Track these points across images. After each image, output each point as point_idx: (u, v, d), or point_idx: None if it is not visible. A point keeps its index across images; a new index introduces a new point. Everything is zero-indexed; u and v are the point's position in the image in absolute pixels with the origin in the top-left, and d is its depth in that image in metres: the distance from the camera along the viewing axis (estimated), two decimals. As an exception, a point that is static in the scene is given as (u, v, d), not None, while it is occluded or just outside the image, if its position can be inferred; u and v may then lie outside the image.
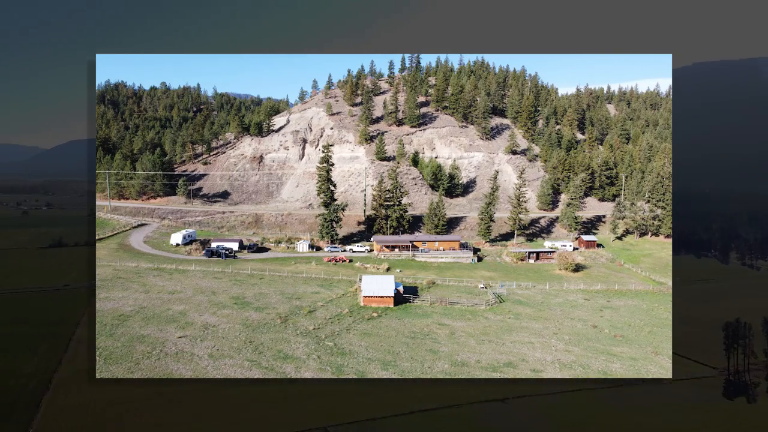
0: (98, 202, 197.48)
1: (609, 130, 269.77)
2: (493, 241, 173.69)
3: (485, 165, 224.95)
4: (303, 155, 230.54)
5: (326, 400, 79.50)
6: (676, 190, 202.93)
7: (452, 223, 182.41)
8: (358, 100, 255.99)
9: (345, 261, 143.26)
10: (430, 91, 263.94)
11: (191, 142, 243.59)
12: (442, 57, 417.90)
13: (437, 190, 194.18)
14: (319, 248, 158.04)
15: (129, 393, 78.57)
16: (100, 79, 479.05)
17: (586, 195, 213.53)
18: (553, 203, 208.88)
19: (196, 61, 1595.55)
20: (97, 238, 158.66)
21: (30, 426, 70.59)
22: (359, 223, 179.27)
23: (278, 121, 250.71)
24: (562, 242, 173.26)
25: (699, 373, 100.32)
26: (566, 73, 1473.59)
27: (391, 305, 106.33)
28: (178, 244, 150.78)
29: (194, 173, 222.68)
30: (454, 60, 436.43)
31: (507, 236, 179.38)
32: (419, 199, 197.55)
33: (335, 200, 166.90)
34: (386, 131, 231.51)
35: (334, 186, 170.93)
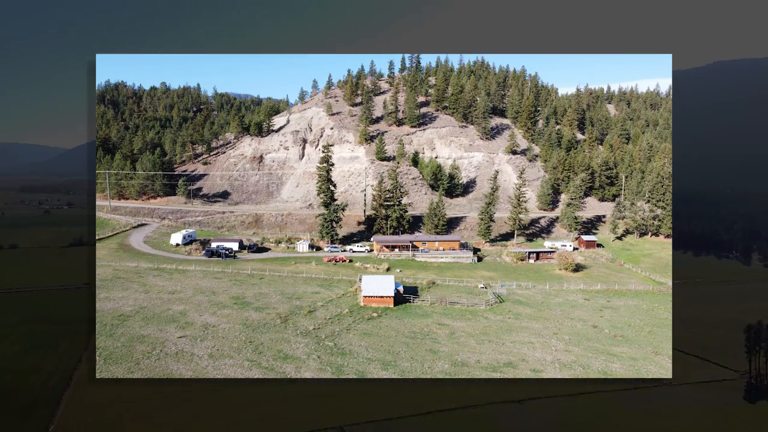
0: (98, 202, 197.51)
1: (609, 130, 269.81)
2: (493, 241, 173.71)
3: (485, 165, 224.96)
4: (303, 155, 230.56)
5: (326, 401, 79.42)
6: (676, 190, 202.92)
7: (452, 223, 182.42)
8: (358, 100, 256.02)
9: (345, 261, 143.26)
10: (430, 91, 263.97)
11: (191, 142, 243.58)
12: (442, 57, 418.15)
13: (437, 190, 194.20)
14: (319, 248, 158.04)
15: (129, 393, 78.56)
16: (100, 79, 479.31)
17: (586, 195, 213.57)
18: (553, 203, 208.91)
19: (196, 61, 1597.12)
20: (97, 238, 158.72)
21: (51, 422, 71.10)
22: (359, 223, 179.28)
23: (278, 121, 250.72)
24: (562, 242, 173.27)
25: (720, 376, 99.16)
26: (566, 73, 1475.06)
27: (391, 305, 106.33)
28: (178, 244, 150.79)
29: (194, 173, 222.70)
30: (454, 60, 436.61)
31: (507, 236, 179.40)
32: (419, 199, 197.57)
33: (335, 200, 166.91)
34: (386, 131, 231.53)
35: (334, 186, 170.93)
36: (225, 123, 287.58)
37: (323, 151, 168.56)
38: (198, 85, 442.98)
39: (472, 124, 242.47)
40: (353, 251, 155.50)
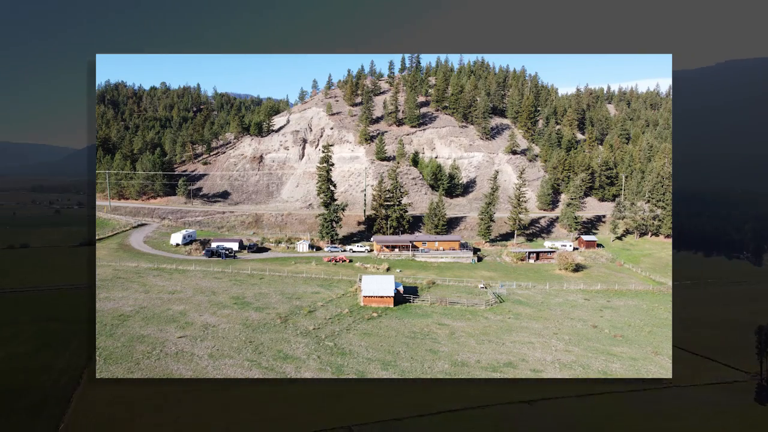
0: (98, 202, 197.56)
1: (609, 130, 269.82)
2: (493, 241, 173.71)
3: (485, 165, 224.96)
4: (303, 155, 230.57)
5: (329, 401, 79.35)
6: (676, 190, 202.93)
7: (452, 223, 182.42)
8: (358, 100, 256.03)
9: (345, 261, 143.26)
10: (430, 91, 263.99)
11: (191, 142, 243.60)
12: (442, 57, 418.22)
13: (437, 190, 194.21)
14: (319, 248, 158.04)
15: (129, 393, 78.55)
16: (100, 79, 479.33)
17: (586, 195, 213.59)
18: (553, 203, 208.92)
19: (196, 61, 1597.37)
20: (97, 238, 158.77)
21: (61, 421, 71.33)
22: (359, 223, 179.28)
23: (278, 121, 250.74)
24: (562, 242, 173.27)
25: (730, 377, 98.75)
26: (566, 73, 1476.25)
27: (391, 305, 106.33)
28: (178, 244, 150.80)
29: (194, 173, 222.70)
30: (454, 60, 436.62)
31: (507, 236, 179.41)
32: (419, 199, 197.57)
33: (335, 200, 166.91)
34: (386, 131, 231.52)
35: (334, 186, 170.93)
36: (225, 123, 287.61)
37: (323, 151, 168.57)
38: (198, 85, 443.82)
39: (472, 124, 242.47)
40: (353, 251, 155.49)
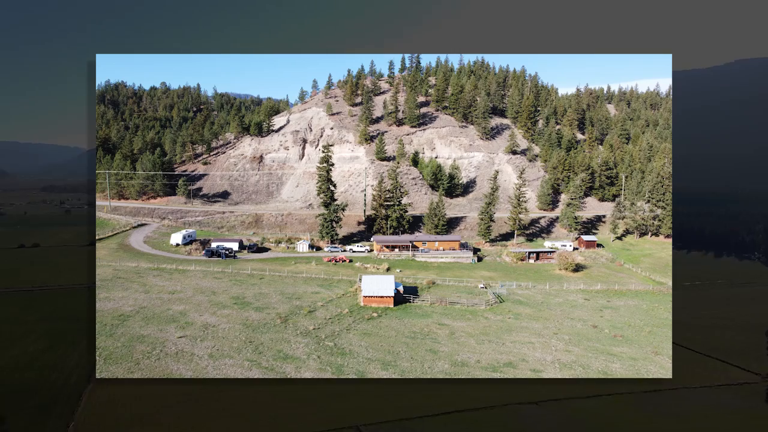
0: (99, 202, 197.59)
1: (609, 130, 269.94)
2: (493, 241, 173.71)
3: (485, 165, 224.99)
4: (303, 155, 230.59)
5: (331, 401, 79.12)
6: (676, 190, 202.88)
7: (452, 223, 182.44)
8: (358, 100, 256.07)
9: (345, 261, 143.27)
10: (430, 91, 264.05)
11: (191, 142, 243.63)
12: (442, 57, 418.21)
13: (437, 190, 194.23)
14: (319, 248, 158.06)
15: (129, 393, 78.52)
16: (100, 79, 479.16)
17: (586, 195, 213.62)
18: (553, 203, 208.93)
19: (196, 61, 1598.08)
20: (97, 238, 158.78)
21: (72, 419, 71.40)
22: (359, 223, 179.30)
23: (278, 121, 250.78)
24: (562, 242, 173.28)
25: (741, 379, 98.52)
26: (566, 73, 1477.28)
27: (391, 305, 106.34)
28: (178, 244, 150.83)
29: (194, 173, 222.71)
30: (454, 60, 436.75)
31: (507, 236, 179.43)
32: (419, 199, 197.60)
33: (335, 200, 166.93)
34: (386, 131, 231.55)
35: (334, 186, 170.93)
36: (225, 123, 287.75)
37: (323, 151, 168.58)
38: (198, 85, 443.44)
39: (472, 124, 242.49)
40: (353, 251, 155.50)
